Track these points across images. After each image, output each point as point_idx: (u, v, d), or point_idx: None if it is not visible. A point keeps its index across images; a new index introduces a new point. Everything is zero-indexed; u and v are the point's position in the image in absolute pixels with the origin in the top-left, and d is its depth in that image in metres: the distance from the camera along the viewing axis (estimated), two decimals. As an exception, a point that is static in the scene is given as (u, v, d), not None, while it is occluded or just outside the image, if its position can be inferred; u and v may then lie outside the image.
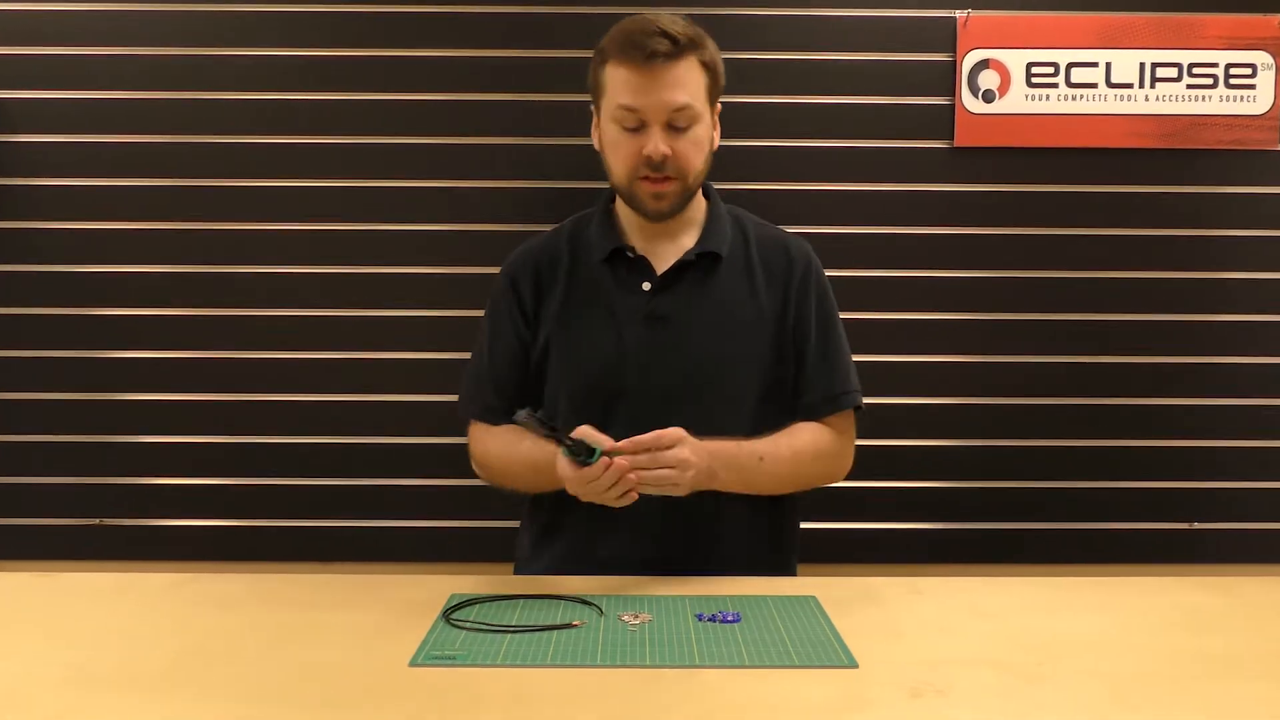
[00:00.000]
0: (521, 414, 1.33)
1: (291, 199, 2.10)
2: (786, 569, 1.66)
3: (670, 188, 1.52)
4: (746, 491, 1.54)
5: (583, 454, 1.35)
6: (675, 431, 1.40)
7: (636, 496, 1.39)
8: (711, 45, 1.53)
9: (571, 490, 1.41)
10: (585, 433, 1.38)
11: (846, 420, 1.65)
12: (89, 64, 2.08)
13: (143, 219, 2.10)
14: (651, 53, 1.46)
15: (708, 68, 1.52)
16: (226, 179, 2.09)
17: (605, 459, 1.35)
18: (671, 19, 1.50)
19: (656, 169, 1.50)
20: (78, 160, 2.09)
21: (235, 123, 2.09)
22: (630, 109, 1.49)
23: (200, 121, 2.08)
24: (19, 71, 2.08)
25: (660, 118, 1.49)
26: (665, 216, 1.56)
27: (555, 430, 1.35)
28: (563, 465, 1.39)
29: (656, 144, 1.49)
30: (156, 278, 2.11)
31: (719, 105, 1.59)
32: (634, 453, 1.37)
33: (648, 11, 1.53)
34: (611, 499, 1.39)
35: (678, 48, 1.47)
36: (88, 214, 2.10)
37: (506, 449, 1.58)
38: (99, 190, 2.09)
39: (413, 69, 2.09)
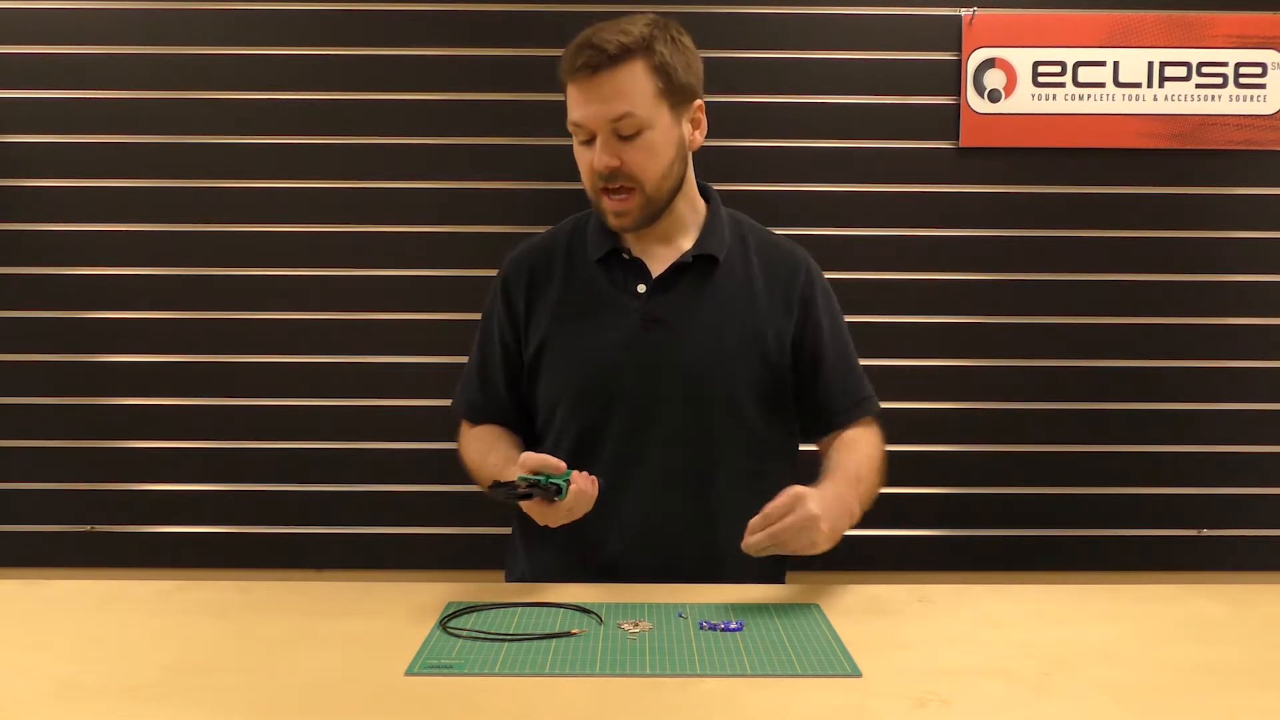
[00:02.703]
0: (497, 492, 1.37)
1: (283, 200, 2.09)
2: (780, 576, 1.65)
3: (630, 203, 1.51)
4: (857, 520, 1.47)
5: (551, 493, 1.36)
6: (794, 491, 1.34)
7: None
8: (666, 47, 1.49)
9: (549, 524, 1.41)
10: (542, 461, 1.37)
11: (874, 425, 1.63)
12: (77, 62, 2.07)
13: (132, 221, 2.09)
14: (581, 65, 1.45)
15: (657, 70, 1.48)
16: (216, 180, 2.08)
17: (574, 488, 1.37)
18: (617, 27, 1.47)
19: (609, 180, 1.49)
20: (67, 161, 2.08)
21: (226, 123, 2.08)
22: (576, 124, 1.50)
23: (191, 122, 2.07)
24: (5, 70, 2.07)
25: (602, 129, 1.47)
26: (630, 230, 1.55)
27: (529, 491, 1.35)
28: (538, 508, 1.39)
29: (600, 156, 1.48)
30: (147, 280, 2.09)
31: (699, 103, 1.56)
32: (767, 525, 1.33)
33: (605, 23, 1.49)
34: (562, 522, 1.41)
35: (608, 58, 1.44)
36: (77, 216, 2.09)
37: (479, 455, 1.60)
38: (88, 191, 2.08)
39: (409, 69, 2.07)
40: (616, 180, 1.49)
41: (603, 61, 1.45)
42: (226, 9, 2.06)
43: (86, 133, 2.07)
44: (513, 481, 1.36)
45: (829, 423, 1.61)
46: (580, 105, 1.48)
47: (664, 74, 1.48)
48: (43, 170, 2.08)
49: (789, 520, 1.31)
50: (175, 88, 2.07)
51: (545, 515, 1.39)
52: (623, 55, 1.45)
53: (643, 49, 1.47)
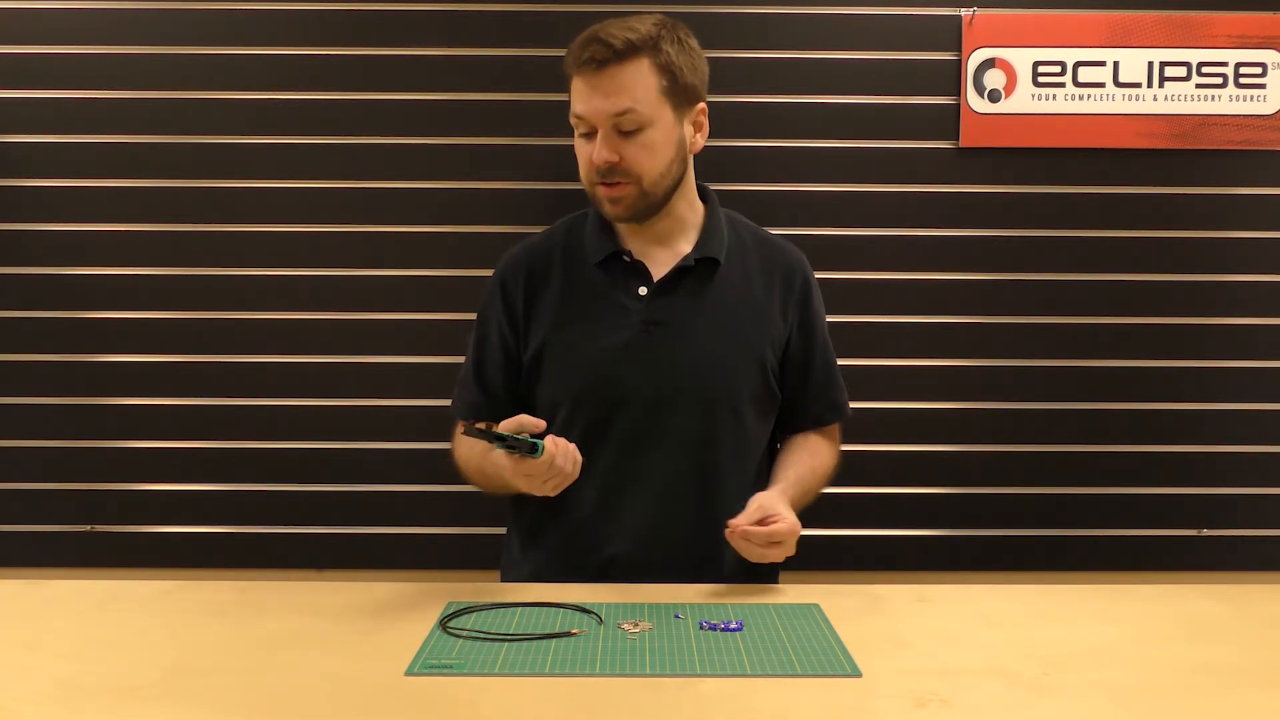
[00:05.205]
0: (464, 426, 1.33)
1: (283, 200, 2.08)
2: (774, 576, 1.65)
3: (624, 192, 1.51)
4: None
5: (523, 449, 1.33)
6: (767, 498, 1.45)
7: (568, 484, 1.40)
8: (672, 47, 1.50)
9: (509, 479, 1.40)
10: (519, 422, 1.35)
11: (837, 432, 1.73)
12: (77, 62, 2.06)
13: (131, 221, 2.09)
14: (587, 59, 1.47)
15: (663, 69, 1.49)
16: (216, 180, 2.08)
17: (547, 456, 1.34)
18: (625, 24, 1.49)
19: (605, 175, 1.50)
20: (67, 161, 2.07)
21: (226, 123, 2.07)
22: (579, 117, 1.51)
23: (191, 122, 2.07)
24: (5, 70, 2.06)
25: (604, 124, 1.49)
26: (624, 220, 1.56)
27: (498, 435, 1.32)
28: (502, 459, 1.38)
29: (599, 150, 1.49)
30: (147, 280, 2.09)
31: (701, 106, 1.57)
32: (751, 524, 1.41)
33: (613, 20, 1.51)
34: (548, 490, 1.39)
35: (615, 53, 1.46)
36: (77, 216, 2.08)
37: (471, 452, 1.59)
38: (89, 192, 2.08)
39: (409, 69, 2.07)
40: (614, 176, 1.50)
41: (609, 57, 1.46)
42: (226, 9, 2.06)
43: (86, 133, 2.07)
44: (479, 428, 1.32)
45: (800, 424, 1.67)
46: (584, 99, 1.49)
47: (669, 73, 1.50)
48: (43, 170, 2.08)
49: (782, 528, 1.41)
50: (175, 88, 2.07)
51: (533, 482, 1.37)
52: (628, 51, 1.47)
53: (649, 47, 1.48)
